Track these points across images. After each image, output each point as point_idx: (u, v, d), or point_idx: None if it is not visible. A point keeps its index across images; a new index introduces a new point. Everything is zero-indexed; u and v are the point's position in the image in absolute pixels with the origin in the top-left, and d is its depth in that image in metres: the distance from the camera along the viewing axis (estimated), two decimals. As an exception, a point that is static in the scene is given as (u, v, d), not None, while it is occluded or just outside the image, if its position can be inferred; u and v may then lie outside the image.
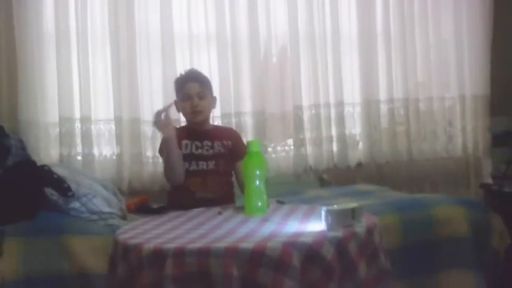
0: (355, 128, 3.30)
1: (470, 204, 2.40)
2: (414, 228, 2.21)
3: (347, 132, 3.25)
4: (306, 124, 3.18)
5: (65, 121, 2.79)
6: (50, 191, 2.05)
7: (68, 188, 2.08)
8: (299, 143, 3.16)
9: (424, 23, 3.36)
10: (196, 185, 2.19)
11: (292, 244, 1.33)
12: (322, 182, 3.21)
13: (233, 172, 2.33)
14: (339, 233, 1.42)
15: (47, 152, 2.77)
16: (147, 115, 2.91)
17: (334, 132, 3.24)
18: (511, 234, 2.38)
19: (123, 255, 1.44)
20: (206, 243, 1.37)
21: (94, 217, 2.09)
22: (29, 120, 2.72)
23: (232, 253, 1.30)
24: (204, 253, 1.31)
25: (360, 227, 1.50)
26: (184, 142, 2.24)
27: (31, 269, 1.86)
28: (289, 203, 2.21)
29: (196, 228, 1.61)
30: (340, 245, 1.38)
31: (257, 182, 1.81)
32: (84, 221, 2.05)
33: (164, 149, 2.20)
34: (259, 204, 1.81)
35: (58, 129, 2.79)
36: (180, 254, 1.31)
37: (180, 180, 2.19)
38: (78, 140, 2.81)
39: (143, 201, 2.68)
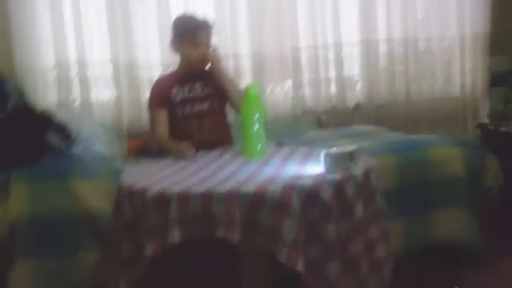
0: (353, 69, 3.28)
1: (465, 144, 2.44)
2: (410, 168, 2.25)
3: (345, 73, 3.24)
4: (304, 66, 3.16)
5: (61, 65, 2.77)
6: (52, 136, 2.07)
7: (70, 133, 2.09)
8: (298, 85, 3.16)
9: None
10: (193, 128, 2.17)
11: (292, 187, 1.37)
12: (321, 124, 3.23)
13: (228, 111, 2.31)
14: (337, 175, 1.46)
15: (45, 98, 2.77)
16: (143, 59, 2.89)
17: (332, 73, 3.22)
18: (506, 173, 2.43)
19: (129, 198, 1.48)
20: (209, 187, 1.41)
21: (97, 161, 2.12)
22: (25, 66, 2.70)
23: (235, 196, 1.34)
24: (208, 197, 1.34)
25: (357, 169, 1.54)
26: (174, 90, 2.18)
27: (38, 212, 1.91)
28: (288, 145, 2.24)
29: (198, 171, 1.65)
30: (338, 187, 1.42)
31: (256, 126, 1.83)
32: (87, 165, 2.08)
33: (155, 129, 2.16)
34: (259, 147, 1.84)
35: (55, 74, 2.77)
36: (184, 197, 1.35)
37: None
38: (75, 85, 2.80)
39: (143, 145, 2.71)
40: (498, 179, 2.41)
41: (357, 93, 3.30)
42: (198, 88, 2.20)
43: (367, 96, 3.28)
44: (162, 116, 2.16)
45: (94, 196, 1.96)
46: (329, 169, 1.49)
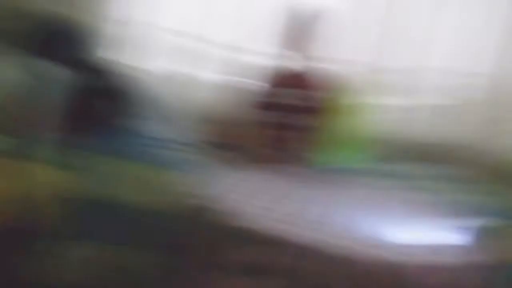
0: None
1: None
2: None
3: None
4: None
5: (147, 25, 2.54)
6: (119, 106, 1.83)
7: (142, 106, 1.86)
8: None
9: None
10: (291, 141, 1.97)
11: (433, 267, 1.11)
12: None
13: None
14: (486, 257, 1.19)
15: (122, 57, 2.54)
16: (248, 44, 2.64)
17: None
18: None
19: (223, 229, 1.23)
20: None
21: (161, 145, 1.87)
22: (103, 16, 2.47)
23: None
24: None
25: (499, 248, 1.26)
26: (272, 91, 2.02)
27: (86, 190, 1.68)
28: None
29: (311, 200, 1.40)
30: (488, 275, 1.15)
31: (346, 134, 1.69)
32: (148, 148, 1.84)
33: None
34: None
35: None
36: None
37: None
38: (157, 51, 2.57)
39: (233, 138, 2.47)
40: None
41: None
42: (293, 96, 2.00)
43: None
44: (264, 119, 1.98)
45: (147, 185, 1.71)
46: (474, 247, 1.21)
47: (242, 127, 2.02)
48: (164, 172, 1.78)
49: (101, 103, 1.87)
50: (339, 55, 2.60)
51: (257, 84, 2.05)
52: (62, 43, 2.12)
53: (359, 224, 1.28)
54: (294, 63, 2.03)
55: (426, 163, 2.77)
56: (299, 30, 2.00)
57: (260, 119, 2.01)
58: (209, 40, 2.59)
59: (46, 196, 1.68)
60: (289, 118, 1.98)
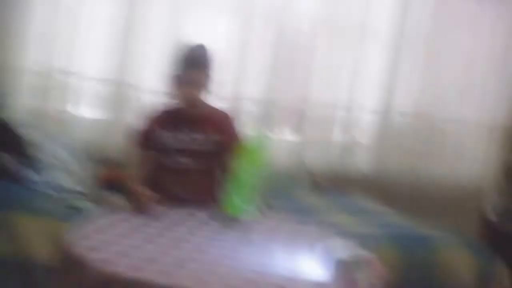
0: (363, 136, 3.02)
1: (476, 249, 2.17)
2: (415, 267, 1.98)
3: (354, 139, 2.97)
4: (313, 122, 2.90)
5: (44, 71, 2.45)
6: (7, 156, 1.72)
7: (31, 157, 1.74)
8: (301, 141, 2.88)
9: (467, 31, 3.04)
10: (174, 184, 1.80)
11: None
12: (318, 186, 2.93)
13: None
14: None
15: (17, 102, 2.42)
16: (138, 81, 2.59)
17: (340, 136, 2.96)
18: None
19: (71, 268, 1.14)
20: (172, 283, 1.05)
21: (55, 194, 1.76)
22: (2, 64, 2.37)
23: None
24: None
25: (366, 279, 1.23)
26: (162, 133, 1.83)
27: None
28: (278, 208, 1.94)
29: (176, 244, 1.32)
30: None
31: (249, 179, 1.57)
32: (41, 198, 1.72)
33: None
34: (242, 204, 1.57)
35: (33, 78, 2.44)
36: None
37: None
38: (55, 94, 2.47)
39: (119, 179, 2.36)
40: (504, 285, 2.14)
41: (363, 162, 3.02)
42: (188, 141, 1.83)
43: (373, 168, 3.00)
44: (144, 159, 1.83)
45: (38, 238, 1.60)
46: (337, 280, 1.17)
47: (127, 168, 1.84)
48: (41, 220, 1.65)
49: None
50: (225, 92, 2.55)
51: (153, 127, 1.86)
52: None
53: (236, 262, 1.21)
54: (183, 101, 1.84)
55: (329, 195, 2.79)
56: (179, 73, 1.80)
57: (161, 165, 1.83)
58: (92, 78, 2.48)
59: None
60: (187, 162, 1.81)
